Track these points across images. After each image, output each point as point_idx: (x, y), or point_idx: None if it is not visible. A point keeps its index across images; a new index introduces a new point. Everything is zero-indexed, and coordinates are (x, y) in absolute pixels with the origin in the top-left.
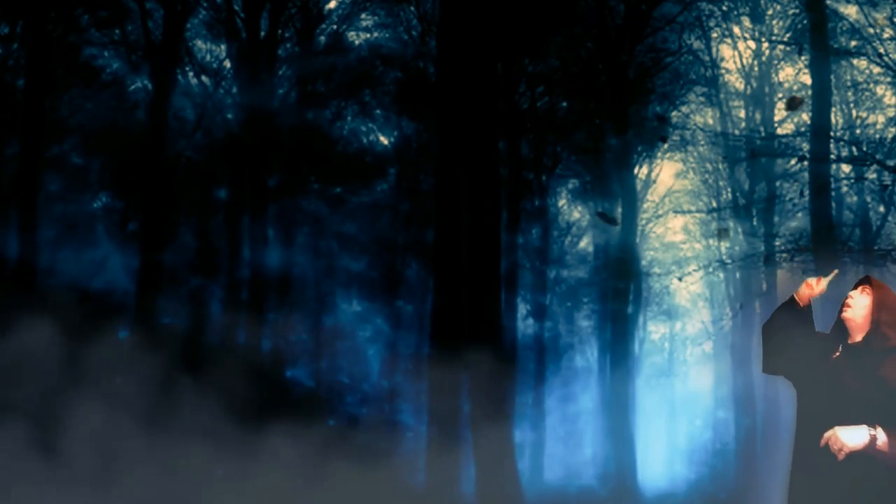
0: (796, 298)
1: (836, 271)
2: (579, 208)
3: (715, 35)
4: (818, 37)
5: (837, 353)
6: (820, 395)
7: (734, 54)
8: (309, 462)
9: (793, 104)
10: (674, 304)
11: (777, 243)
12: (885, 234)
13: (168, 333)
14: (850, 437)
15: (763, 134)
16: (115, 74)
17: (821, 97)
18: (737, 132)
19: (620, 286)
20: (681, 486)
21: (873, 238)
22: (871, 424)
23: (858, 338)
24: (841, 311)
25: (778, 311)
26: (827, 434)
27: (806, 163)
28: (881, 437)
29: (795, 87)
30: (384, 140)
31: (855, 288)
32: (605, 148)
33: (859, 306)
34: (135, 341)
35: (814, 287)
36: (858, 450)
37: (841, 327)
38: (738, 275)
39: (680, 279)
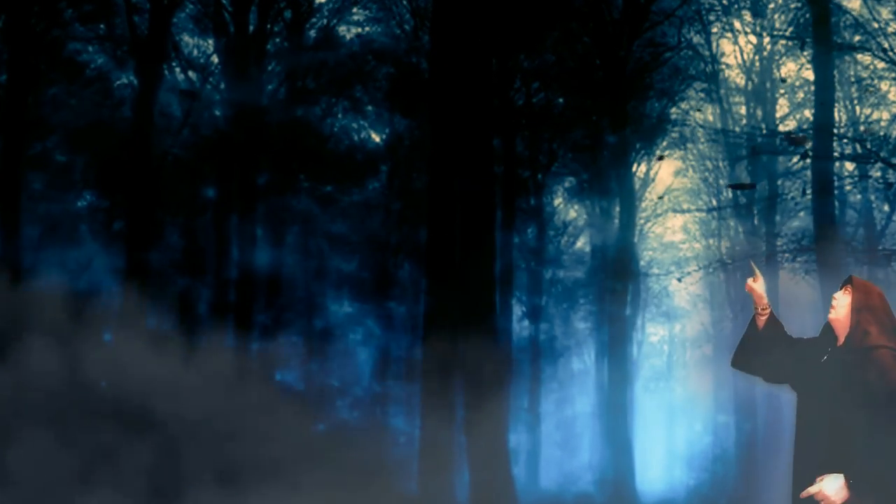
0: (756, 312)
1: (752, 263)
2: (576, 207)
3: (715, 29)
4: (821, 31)
5: (825, 357)
6: (811, 400)
7: (735, 49)
8: (298, 467)
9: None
10: (673, 305)
11: (779, 243)
12: (889, 233)
13: (154, 335)
14: (835, 491)
15: (764, 131)
16: (99, 70)
17: (823, 93)
18: (737, 129)
19: (618, 287)
20: (680, 492)
21: (877, 238)
22: (857, 434)
23: (843, 339)
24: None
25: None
26: (811, 489)
27: (808, 160)
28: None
29: (798, 83)
30: (376, 137)
31: (840, 289)
32: (603, 145)
33: (842, 306)
34: (120, 343)
35: (753, 284)
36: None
37: (829, 330)
38: (738, 275)
39: (679, 280)
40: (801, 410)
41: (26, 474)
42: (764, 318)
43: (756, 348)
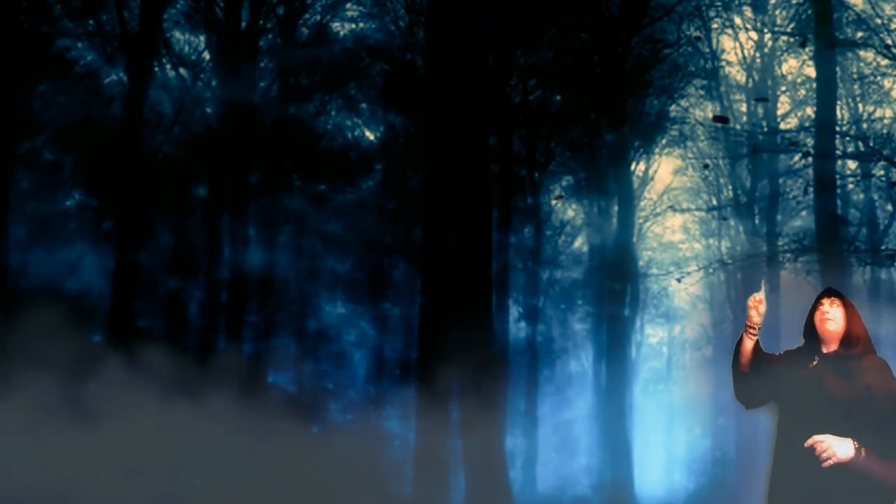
0: (747, 329)
1: (763, 281)
2: (574, 206)
3: (715, 25)
4: (823, 27)
5: (814, 363)
6: (802, 402)
7: (735, 46)
8: (292, 471)
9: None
10: (672, 306)
11: (780, 243)
12: (892, 233)
13: (144, 337)
14: (841, 447)
15: (765, 129)
16: (89, 67)
17: (825, 90)
18: (738, 127)
19: (616, 288)
20: (679, 497)
21: (880, 237)
22: (856, 432)
23: (833, 347)
24: (812, 322)
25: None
26: (817, 438)
27: (810, 159)
28: (864, 452)
29: (799, 80)
30: (370, 135)
31: (820, 300)
32: (601, 143)
33: (839, 317)
34: (109, 345)
35: (758, 304)
36: (844, 461)
37: (812, 338)
38: (739, 276)
39: (679, 280)
40: (786, 418)
41: None
42: (753, 342)
43: (745, 377)
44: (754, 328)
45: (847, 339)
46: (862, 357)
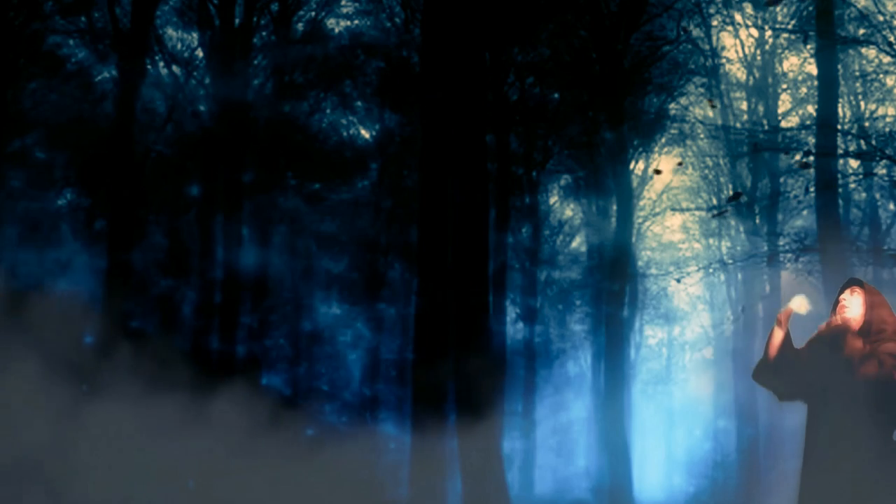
0: (778, 325)
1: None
2: (572, 206)
3: (715, 23)
4: (825, 24)
5: (837, 357)
6: (823, 398)
7: (736, 43)
8: (286, 474)
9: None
10: (672, 306)
11: (781, 243)
12: (895, 232)
13: (137, 338)
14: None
15: (766, 127)
16: (80, 64)
17: (827, 88)
18: (738, 125)
19: (615, 288)
20: (679, 500)
21: (883, 237)
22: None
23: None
24: (835, 315)
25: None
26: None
27: (811, 157)
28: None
29: (800, 78)
30: (365, 133)
31: (842, 292)
32: (599, 142)
33: (855, 305)
34: (101, 346)
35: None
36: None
37: (834, 330)
38: (739, 276)
39: (678, 280)
40: (814, 411)
41: None
42: (783, 332)
43: (778, 365)
44: (781, 322)
45: (866, 327)
46: (881, 343)
